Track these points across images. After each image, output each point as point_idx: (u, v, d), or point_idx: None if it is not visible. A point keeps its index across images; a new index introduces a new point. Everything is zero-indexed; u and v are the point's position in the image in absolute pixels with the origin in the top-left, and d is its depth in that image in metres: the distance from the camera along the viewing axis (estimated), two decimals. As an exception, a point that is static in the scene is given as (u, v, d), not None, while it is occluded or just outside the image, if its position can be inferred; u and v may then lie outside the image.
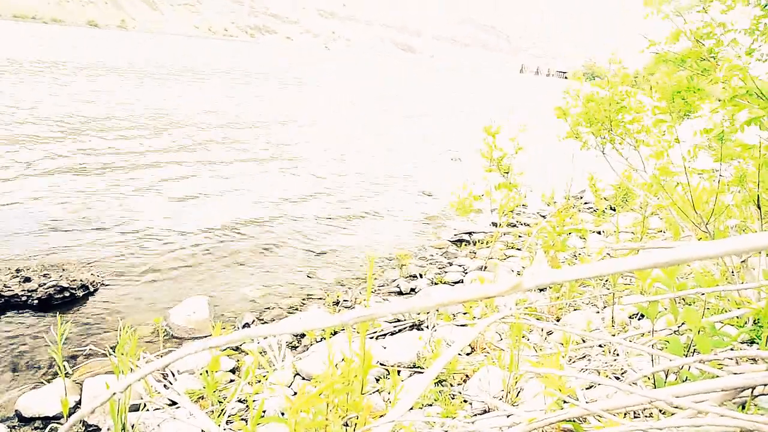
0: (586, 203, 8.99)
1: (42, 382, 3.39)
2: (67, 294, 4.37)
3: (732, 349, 2.15)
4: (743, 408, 1.58)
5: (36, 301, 4.26)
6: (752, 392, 1.54)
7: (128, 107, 15.28)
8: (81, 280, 4.53)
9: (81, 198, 7.04)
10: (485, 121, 5.87)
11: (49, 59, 29.47)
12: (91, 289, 4.56)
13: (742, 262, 3.30)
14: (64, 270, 4.71)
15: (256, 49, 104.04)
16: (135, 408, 3.00)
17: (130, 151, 9.97)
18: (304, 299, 4.73)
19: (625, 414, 2.16)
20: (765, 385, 1.46)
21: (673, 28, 4.13)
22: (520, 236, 6.60)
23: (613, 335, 3.51)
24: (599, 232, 6.66)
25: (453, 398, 2.86)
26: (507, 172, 5.39)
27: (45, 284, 4.34)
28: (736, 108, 2.98)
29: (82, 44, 55.87)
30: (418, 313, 4.37)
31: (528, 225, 7.12)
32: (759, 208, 3.25)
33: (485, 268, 5.44)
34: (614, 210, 7.73)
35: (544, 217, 7.76)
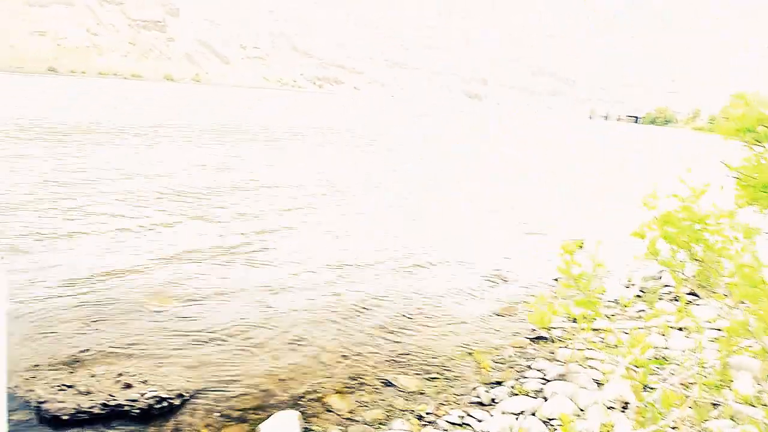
0: (665, 286, 8.85)
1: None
2: (165, 404, 4.63)
3: None
4: None
5: (138, 411, 4.53)
6: None
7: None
8: (177, 389, 4.79)
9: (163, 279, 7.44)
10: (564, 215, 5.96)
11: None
12: (186, 397, 4.81)
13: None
14: (160, 374, 5.01)
15: (326, 101, 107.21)
16: None
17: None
18: (388, 411, 4.86)
19: None
20: None
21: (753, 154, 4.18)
22: (598, 332, 6.56)
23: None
24: (681, 329, 6.56)
25: None
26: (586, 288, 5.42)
27: (145, 394, 4.62)
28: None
29: (186, 103, 58.57)
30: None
31: (608, 317, 7.07)
32: None
33: (566, 374, 5.45)
34: (696, 295, 7.59)
35: (625, 307, 7.69)
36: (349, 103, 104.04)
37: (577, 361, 5.77)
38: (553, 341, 6.47)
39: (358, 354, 5.96)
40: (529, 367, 5.78)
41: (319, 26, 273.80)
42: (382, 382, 5.38)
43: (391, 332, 6.57)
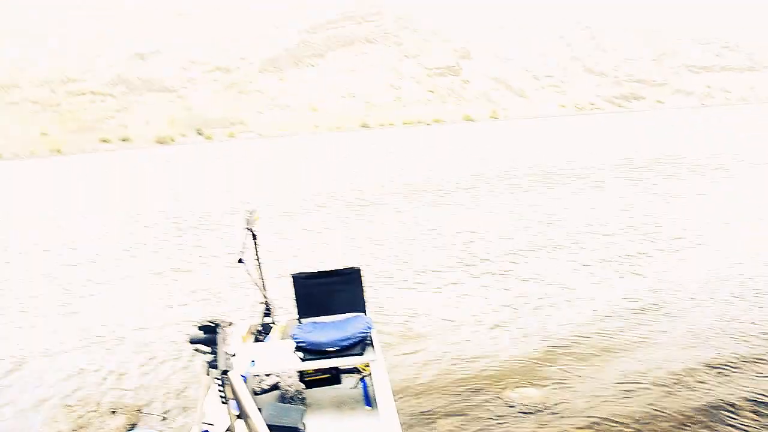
0: None
1: None
2: None
3: None
4: None
5: None
6: None
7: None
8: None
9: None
10: None
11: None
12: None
13: None
14: None
15: (632, 121, 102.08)
16: None
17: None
18: None
19: None
20: None
21: None
22: None
23: None
24: None
25: None
26: None
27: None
28: None
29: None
30: None
31: None
32: None
33: None
34: None
35: None
36: (665, 120, 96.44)
37: None
38: None
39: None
40: None
41: (609, 43, 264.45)
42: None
43: None
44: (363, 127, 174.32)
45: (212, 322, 3.86)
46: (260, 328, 6.85)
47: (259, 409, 4.34)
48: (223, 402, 3.97)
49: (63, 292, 13.91)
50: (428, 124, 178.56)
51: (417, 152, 56.49)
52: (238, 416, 4.10)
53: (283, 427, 4.53)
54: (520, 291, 11.08)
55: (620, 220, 17.13)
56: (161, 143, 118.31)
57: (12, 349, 10.35)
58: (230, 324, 4.05)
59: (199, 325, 3.89)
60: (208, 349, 3.94)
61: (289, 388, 6.48)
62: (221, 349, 3.81)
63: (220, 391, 3.93)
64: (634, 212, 18.20)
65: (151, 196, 34.00)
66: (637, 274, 11.61)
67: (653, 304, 9.82)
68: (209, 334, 3.87)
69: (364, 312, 6.49)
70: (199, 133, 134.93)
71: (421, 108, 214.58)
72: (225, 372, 3.80)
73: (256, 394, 6.80)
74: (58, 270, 16.35)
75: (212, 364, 3.91)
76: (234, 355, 4.05)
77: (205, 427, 4.17)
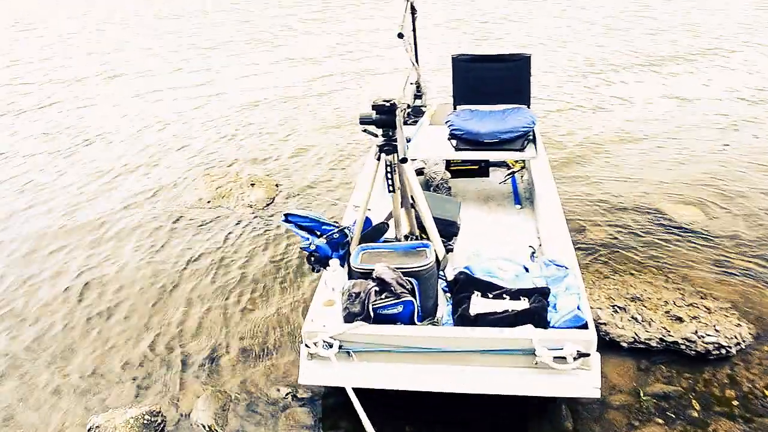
0: None
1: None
2: (722, 351, 4.40)
3: None
4: None
5: (693, 353, 4.40)
6: None
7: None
8: (735, 336, 4.49)
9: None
10: None
11: None
12: (742, 346, 4.49)
13: None
14: (709, 312, 4.76)
15: None
16: None
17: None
18: None
19: None
20: None
21: None
22: None
23: None
24: None
25: None
26: None
27: (703, 338, 4.44)
28: None
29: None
30: None
31: None
32: None
33: None
34: None
35: None
36: None
37: None
38: None
39: None
40: None
41: None
42: None
43: None
44: None
45: (388, 102, 3.34)
46: (410, 111, 6.40)
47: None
48: (390, 191, 3.61)
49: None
50: None
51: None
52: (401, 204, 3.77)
53: (440, 219, 4.17)
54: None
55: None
56: None
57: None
58: (408, 106, 3.55)
59: (373, 103, 3.39)
60: (378, 131, 3.49)
61: (435, 176, 6.15)
62: (400, 134, 3.30)
63: (387, 178, 3.54)
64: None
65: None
66: None
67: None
68: (384, 116, 3.38)
69: (528, 105, 5.88)
70: None
71: None
72: (404, 160, 3.35)
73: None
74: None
75: (383, 149, 3.48)
76: (410, 140, 3.59)
77: (368, 213, 3.87)
